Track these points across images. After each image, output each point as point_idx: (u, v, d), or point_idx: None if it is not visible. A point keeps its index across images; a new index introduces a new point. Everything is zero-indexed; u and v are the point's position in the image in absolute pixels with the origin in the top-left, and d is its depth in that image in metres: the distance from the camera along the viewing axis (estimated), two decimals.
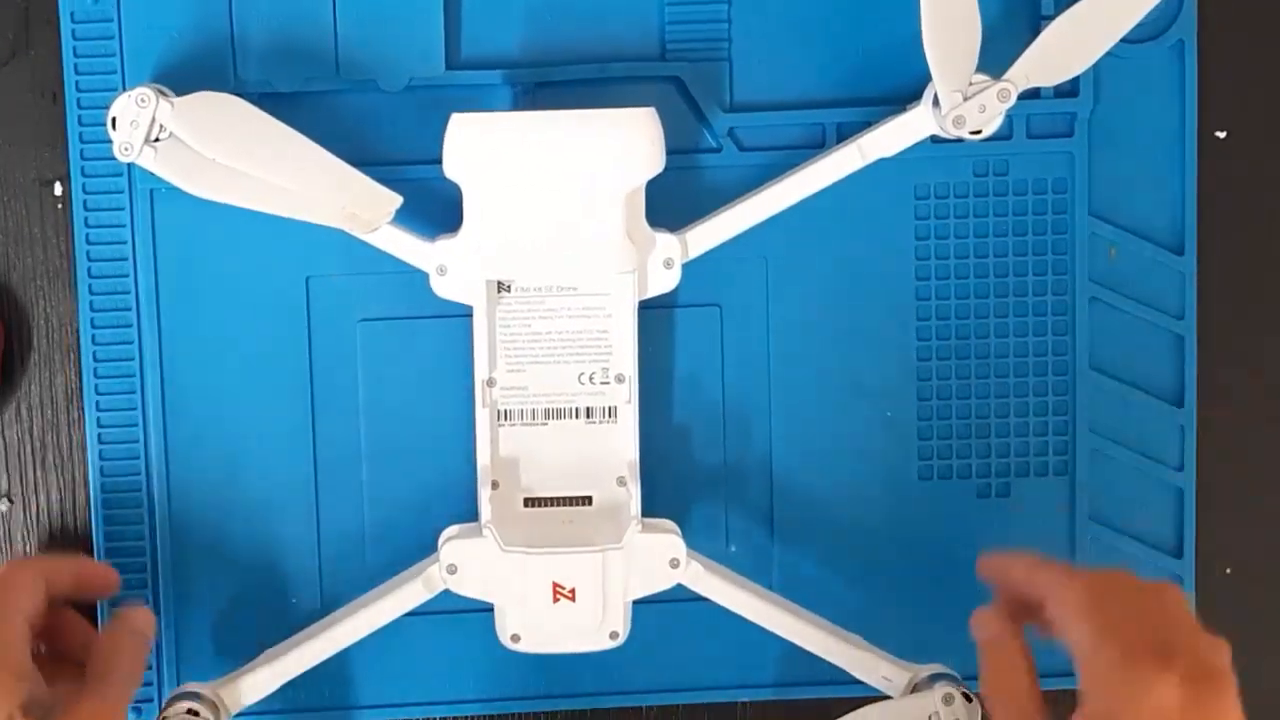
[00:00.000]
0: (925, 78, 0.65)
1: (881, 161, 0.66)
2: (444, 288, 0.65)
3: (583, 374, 0.66)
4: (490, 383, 0.66)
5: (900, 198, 0.69)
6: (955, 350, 0.70)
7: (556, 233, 0.64)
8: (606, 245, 0.64)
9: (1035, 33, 0.66)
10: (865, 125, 0.67)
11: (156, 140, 0.63)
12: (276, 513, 0.69)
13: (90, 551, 0.70)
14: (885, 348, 0.70)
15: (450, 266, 0.65)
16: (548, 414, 0.66)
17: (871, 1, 0.68)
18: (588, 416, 0.66)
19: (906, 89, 0.68)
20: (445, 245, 0.65)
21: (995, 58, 0.64)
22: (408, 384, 0.69)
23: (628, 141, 0.63)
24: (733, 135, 0.69)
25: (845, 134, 0.68)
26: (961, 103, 0.64)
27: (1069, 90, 0.69)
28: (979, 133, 0.65)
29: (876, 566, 0.71)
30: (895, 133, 0.66)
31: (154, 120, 0.62)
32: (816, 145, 0.68)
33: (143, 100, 0.62)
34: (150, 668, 0.69)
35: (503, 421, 0.66)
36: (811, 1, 0.68)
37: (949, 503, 0.71)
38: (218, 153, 0.62)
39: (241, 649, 0.68)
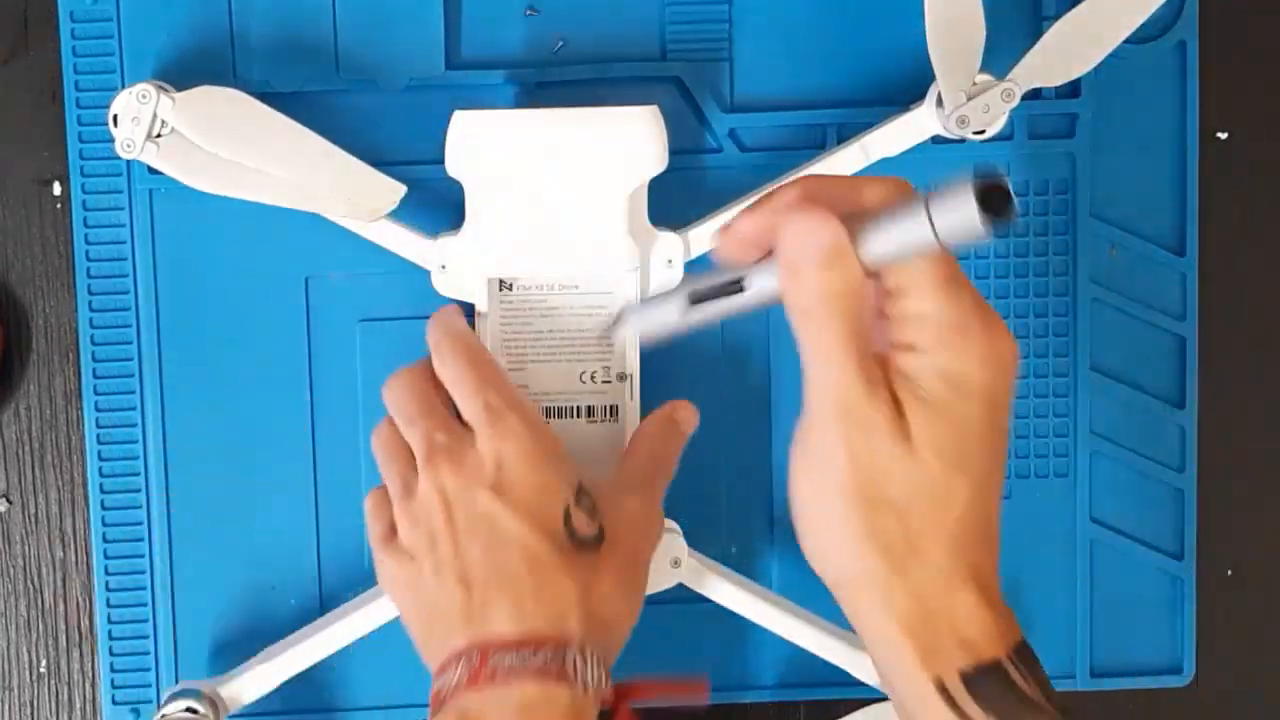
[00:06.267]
0: (925, 78, 0.65)
1: (883, 162, 0.66)
2: (446, 285, 0.65)
3: (584, 373, 0.66)
4: None
5: None
6: None
7: (558, 231, 0.64)
8: (608, 243, 0.64)
9: (1038, 34, 0.66)
10: (866, 125, 0.67)
11: (159, 136, 0.63)
12: (276, 513, 0.69)
13: (89, 557, 0.70)
14: None
15: (452, 264, 0.65)
16: (549, 412, 0.66)
17: (871, 2, 0.68)
18: (589, 415, 0.66)
19: (907, 89, 0.68)
20: (447, 243, 0.65)
21: (998, 58, 0.64)
22: None
23: (630, 140, 0.63)
24: (733, 135, 0.69)
25: (845, 134, 0.68)
26: (965, 103, 0.64)
27: (1070, 91, 0.69)
28: (982, 133, 0.65)
29: None
30: (898, 132, 0.66)
31: (155, 116, 0.62)
32: (817, 145, 0.68)
33: (144, 96, 0.62)
34: (149, 669, 0.69)
35: None
36: (811, 1, 0.68)
37: None
38: (220, 146, 0.62)
39: (240, 649, 0.68)
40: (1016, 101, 0.64)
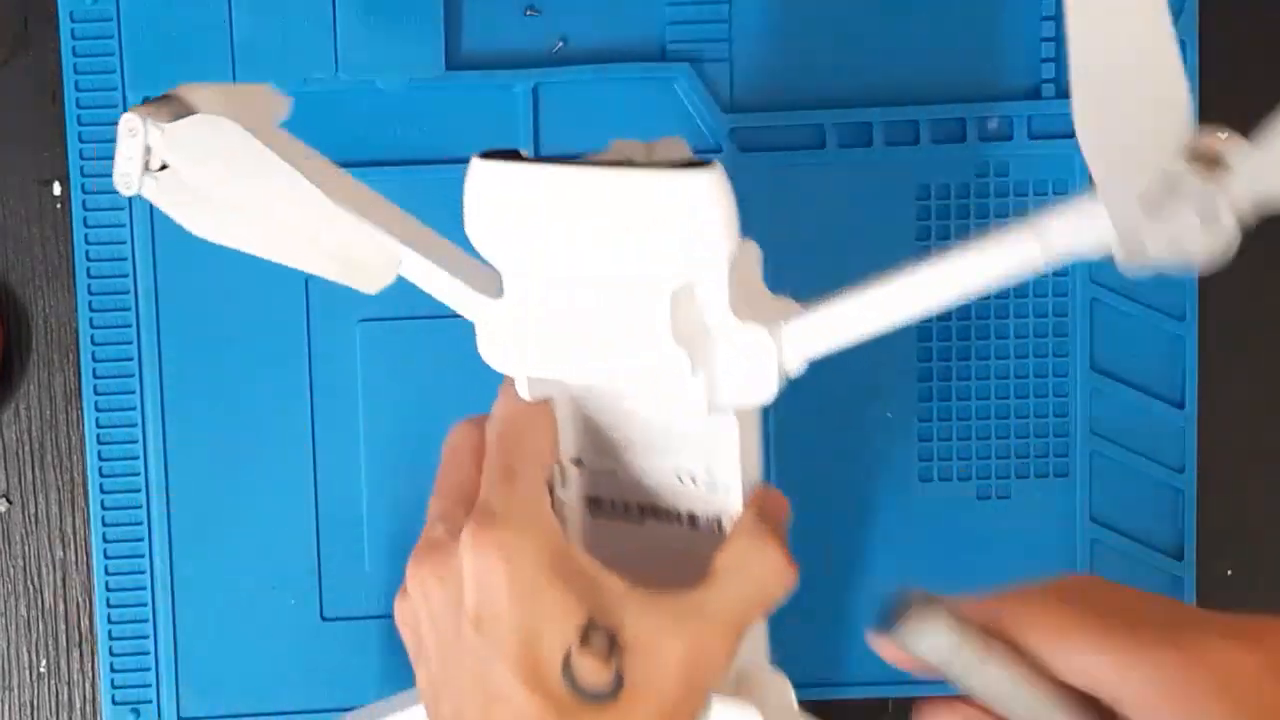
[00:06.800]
0: (926, 78, 0.65)
1: (883, 162, 0.66)
2: (493, 356, 0.50)
3: (682, 472, 0.52)
4: (578, 463, 0.53)
5: (901, 198, 0.69)
6: (955, 350, 0.70)
7: (596, 324, 0.48)
8: (648, 348, 0.48)
9: (1038, 37, 0.65)
10: (865, 125, 0.67)
11: (162, 168, 0.54)
12: (275, 513, 0.69)
13: (89, 557, 0.70)
14: (885, 348, 0.70)
15: (498, 335, 0.50)
16: (645, 512, 0.53)
17: (871, 2, 0.68)
18: (692, 524, 0.52)
19: (907, 89, 0.68)
20: (491, 308, 0.50)
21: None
22: (408, 384, 0.69)
23: (676, 220, 0.45)
24: (733, 135, 0.69)
25: (845, 135, 0.68)
26: (1141, 221, 0.42)
27: (1070, 91, 0.69)
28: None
29: (876, 568, 0.71)
30: (1071, 232, 0.47)
31: (147, 148, 0.53)
32: (817, 145, 0.68)
33: (131, 129, 0.53)
34: (149, 669, 0.69)
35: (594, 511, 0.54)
36: (811, 1, 0.68)
37: (949, 504, 0.71)
38: (209, 182, 0.53)
39: (239, 650, 0.68)
40: (1231, 225, 0.42)
